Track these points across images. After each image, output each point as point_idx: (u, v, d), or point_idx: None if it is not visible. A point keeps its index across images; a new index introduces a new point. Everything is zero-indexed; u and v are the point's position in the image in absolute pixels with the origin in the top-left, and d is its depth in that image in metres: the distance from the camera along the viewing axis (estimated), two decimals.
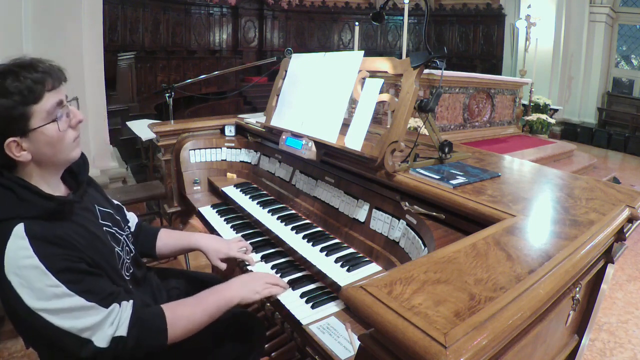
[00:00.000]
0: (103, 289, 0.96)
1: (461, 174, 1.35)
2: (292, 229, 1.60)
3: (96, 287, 0.95)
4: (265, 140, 2.09)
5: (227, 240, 1.53)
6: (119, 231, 1.18)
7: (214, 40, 10.94)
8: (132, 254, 1.22)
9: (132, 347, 0.95)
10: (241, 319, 1.36)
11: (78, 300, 0.90)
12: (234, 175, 2.23)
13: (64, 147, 1.01)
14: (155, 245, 1.41)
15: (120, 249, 1.15)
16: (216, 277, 1.59)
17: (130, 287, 1.11)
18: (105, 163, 4.23)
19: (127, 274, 1.16)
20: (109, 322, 0.93)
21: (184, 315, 1.07)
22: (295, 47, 8.19)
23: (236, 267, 1.55)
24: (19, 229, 0.89)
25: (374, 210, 1.45)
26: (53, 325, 0.88)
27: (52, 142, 0.97)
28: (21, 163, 0.96)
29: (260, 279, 1.26)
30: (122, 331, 0.94)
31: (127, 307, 0.98)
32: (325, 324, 1.15)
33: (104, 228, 1.12)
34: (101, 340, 0.91)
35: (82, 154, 1.11)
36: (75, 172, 1.12)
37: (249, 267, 1.48)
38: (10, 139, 0.92)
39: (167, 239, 1.44)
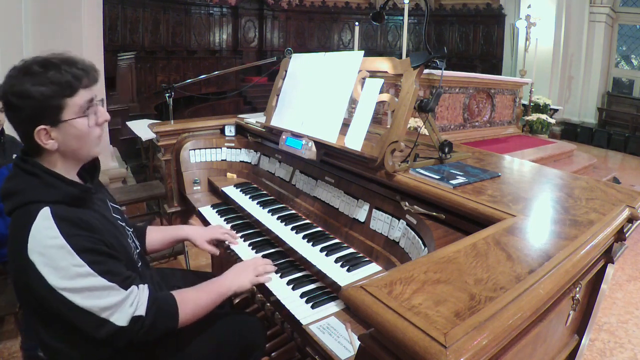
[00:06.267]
0: (122, 272, 1.00)
1: (461, 174, 1.35)
2: (292, 229, 1.60)
3: (116, 269, 0.99)
4: (265, 140, 2.09)
5: (211, 225, 1.67)
6: (126, 227, 1.24)
7: (214, 40, 10.93)
8: (137, 250, 1.28)
9: (149, 327, 0.99)
10: (241, 319, 1.37)
11: (100, 280, 0.94)
12: (234, 175, 2.23)
13: (89, 142, 1.07)
14: (145, 241, 1.47)
15: (130, 240, 1.21)
16: (215, 275, 1.60)
17: (141, 274, 1.16)
18: (105, 163, 4.22)
19: (138, 265, 1.21)
20: (129, 303, 0.97)
21: (191, 300, 1.12)
22: (295, 47, 8.20)
23: (222, 249, 1.62)
24: (46, 211, 0.94)
25: (374, 210, 1.45)
26: (74, 304, 0.92)
27: (79, 135, 1.03)
28: (46, 151, 1.01)
29: (250, 268, 1.33)
30: (141, 311, 0.99)
31: (144, 289, 1.03)
32: (325, 324, 1.15)
33: (117, 221, 1.18)
34: (121, 319, 0.95)
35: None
36: (90, 170, 1.17)
37: (232, 247, 1.59)
38: (41, 126, 0.97)
39: (156, 234, 1.51)
